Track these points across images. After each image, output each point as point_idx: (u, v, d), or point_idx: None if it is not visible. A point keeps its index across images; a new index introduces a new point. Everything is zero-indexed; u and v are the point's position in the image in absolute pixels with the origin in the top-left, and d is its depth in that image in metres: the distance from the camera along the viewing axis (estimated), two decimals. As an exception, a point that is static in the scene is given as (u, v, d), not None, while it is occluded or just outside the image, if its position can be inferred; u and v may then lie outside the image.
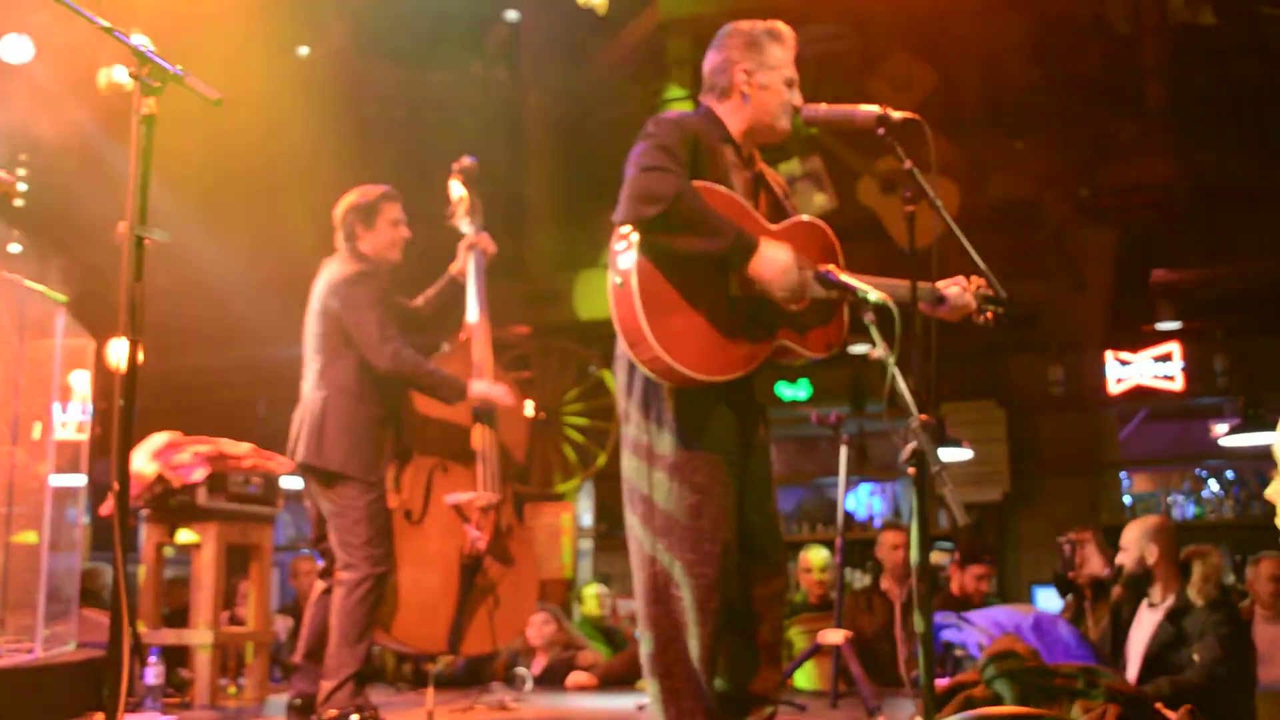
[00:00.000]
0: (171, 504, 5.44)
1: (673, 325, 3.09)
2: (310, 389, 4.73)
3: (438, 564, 4.85)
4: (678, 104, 9.00)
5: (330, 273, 4.80)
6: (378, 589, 4.57)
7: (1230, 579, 8.06)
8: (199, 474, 5.42)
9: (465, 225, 5.20)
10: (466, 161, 5.20)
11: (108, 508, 3.46)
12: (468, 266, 5.16)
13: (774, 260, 3.14)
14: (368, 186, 4.90)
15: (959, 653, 5.03)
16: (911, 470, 2.61)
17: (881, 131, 3.12)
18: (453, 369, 4.94)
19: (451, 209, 5.22)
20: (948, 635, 5.10)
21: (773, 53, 3.40)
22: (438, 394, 4.80)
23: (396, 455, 4.90)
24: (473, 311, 5.13)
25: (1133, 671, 4.99)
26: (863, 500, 10.92)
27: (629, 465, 3.30)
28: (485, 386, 4.92)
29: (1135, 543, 5.12)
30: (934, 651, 2.80)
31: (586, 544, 10.17)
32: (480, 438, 5.00)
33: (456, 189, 5.21)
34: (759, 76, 3.38)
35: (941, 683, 4.12)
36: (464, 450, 5.02)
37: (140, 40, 2.91)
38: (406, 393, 4.87)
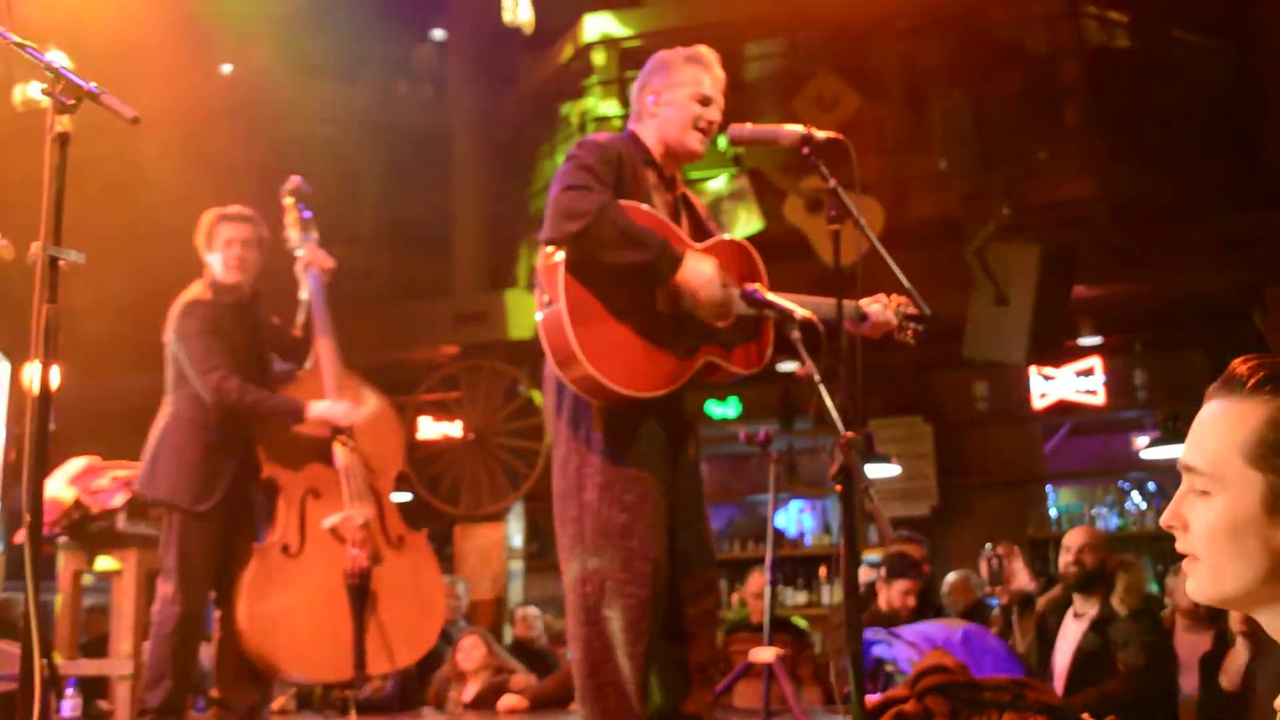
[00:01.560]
0: (90, 530, 5.31)
1: (601, 343, 3.09)
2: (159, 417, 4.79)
3: (326, 591, 4.72)
4: (605, 123, 9.01)
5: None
6: (186, 626, 4.59)
7: (1154, 588, 8.20)
8: (119, 499, 5.30)
9: (298, 245, 5.09)
10: (294, 181, 5.13)
11: (22, 535, 3.38)
12: (307, 286, 5.06)
13: (700, 271, 3.16)
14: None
15: (889, 668, 5.05)
16: (839, 487, 2.62)
17: (806, 151, 3.14)
18: (306, 392, 4.87)
19: (284, 233, 5.12)
20: (878, 651, 5.11)
21: (684, 72, 3.44)
22: (273, 421, 4.76)
23: (264, 490, 4.84)
24: (317, 330, 5.00)
25: (1059, 683, 5.04)
26: (793, 517, 10.97)
27: (559, 485, 3.30)
28: (324, 407, 4.79)
29: (1097, 548, 5.18)
30: (864, 667, 2.81)
31: (517, 565, 10.11)
32: (340, 455, 4.86)
33: (288, 211, 5.12)
34: (665, 94, 3.43)
35: (872, 699, 4.13)
36: (333, 471, 4.89)
37: (55, 57, 2.84)
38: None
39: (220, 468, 4.70)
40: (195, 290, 4.83)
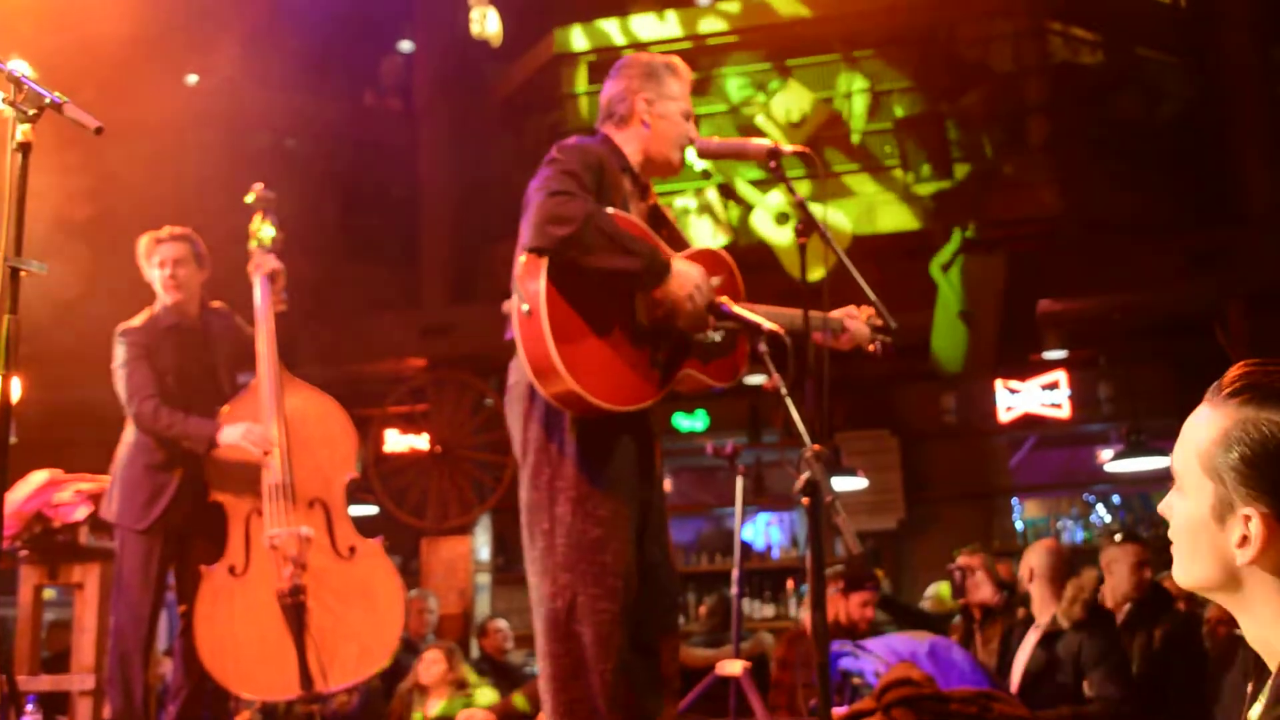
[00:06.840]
0: (52, 544, 5.25)
1: (582, 355, 3.05)
2: None
3: (271, 610, 4.64)
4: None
5: None
6: (122, 639, 4.65)
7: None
8: (81, 512, 5.24)
9: (255, 251, 5.03)
10: (255, 189, 5.09)
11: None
12: (254, 295, 4.97)
13: (688, 276, 3.15)
14: None
15: (856, 681, 5.05)
16: (805, 500, 2.62)
17: (773, 165, 3.14)
18: (244, 406, 4.82)
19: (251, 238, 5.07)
20: (844, 663, 5.11)
21: (671, 85, 3.42)
22: (186, 445, 4.72)
23: (215, 513, 4.79)
24: (256, 340, 4.91)
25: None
26: (760, 530, 10.98)
27: (529, 498, 3.24)
28: (236, 435, 4.68)
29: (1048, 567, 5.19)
30: (831, 680, 2.81)
31: (484, 578, 10.07)
32: (266, 472, 4.75)
33: (255, 218, 5.07)
34: (658, 105, 3.39)
35: (839, 711, 4.13)
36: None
37: (17, 66, 2.81)
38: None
39: (163, 485, 4.75)
40: (138, 316, 4.88)
